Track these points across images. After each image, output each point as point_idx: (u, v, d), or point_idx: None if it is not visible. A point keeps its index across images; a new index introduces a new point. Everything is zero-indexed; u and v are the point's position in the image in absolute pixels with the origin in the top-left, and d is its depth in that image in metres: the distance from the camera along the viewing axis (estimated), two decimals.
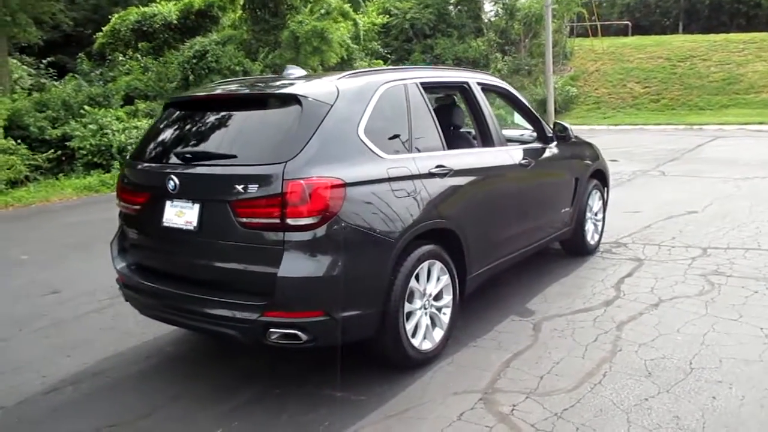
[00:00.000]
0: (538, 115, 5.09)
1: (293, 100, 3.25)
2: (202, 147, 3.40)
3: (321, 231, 3.04)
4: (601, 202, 5.95)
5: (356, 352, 3.55)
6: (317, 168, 3.06)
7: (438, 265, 3.68)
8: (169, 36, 20.75)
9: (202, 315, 3.27)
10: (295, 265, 3.01)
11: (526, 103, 5.06)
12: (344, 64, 20.47)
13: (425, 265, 3.57)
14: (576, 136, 6.05)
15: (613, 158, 12.54)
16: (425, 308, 3.64)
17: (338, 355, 3.37)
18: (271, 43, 18.51)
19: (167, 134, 3.65)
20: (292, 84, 3.47)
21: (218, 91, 3.74)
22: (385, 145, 3.45)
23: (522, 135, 5.48)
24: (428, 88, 4.04)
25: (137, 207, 3.62)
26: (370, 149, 3.33)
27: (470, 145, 4.48)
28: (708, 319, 4.20)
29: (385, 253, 3.26)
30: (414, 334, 3.57)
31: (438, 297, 3.75)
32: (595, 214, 5.89)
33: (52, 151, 12.65)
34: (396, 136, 3.58)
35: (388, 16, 27.02)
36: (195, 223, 3.27)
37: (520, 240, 4.60)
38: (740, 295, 4.62)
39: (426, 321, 3.65)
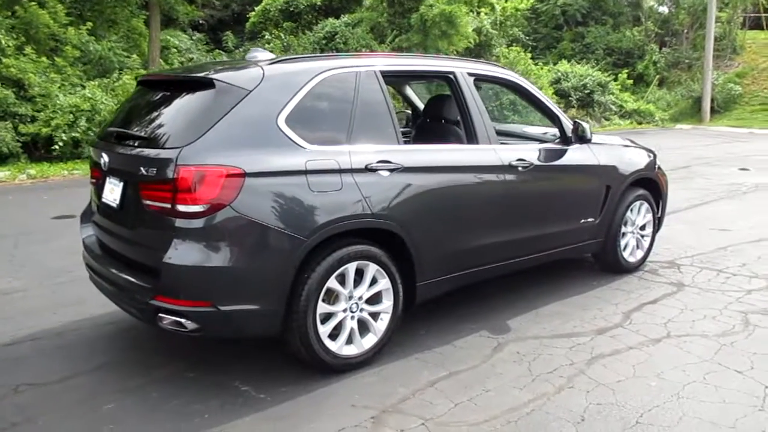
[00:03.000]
0: (557, 112, 4.54)
1: (209, 84, 3.17)
2: (129, 127, 3.43)
3: (211, 220, 2.94)
4: (650, 215, 5.23)
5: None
6: (215, 155, 2.95)
7: (373, 267, 3.43)
8: (312, 17, 21.50)
9: (116, 291, 3.34)
10: (181, 253, 2.95)
11: (542, 98, 4.53)
12: (481, 49, 20.00)
13: (352, 266, 3.34)
14: (630, 140, 5.41)
15: (744, 167, 11.16)
16: (352, 311, 3.41)
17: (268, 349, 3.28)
18: (404, 26, 18.50)
19: (122, 113, 3.73)
20: (224, 69, 3.39)
21: (166, 74, 3.75)
22: (313, 136, 3.25)
23: (545, 134, 4.96)
24: (396, 77, 3.75)
25: (94, 181, 3.75)
26: (289, 139, 3.16)
27: (459, 141, 4.10)
28: (706, 366, 3.55)
29: (288, 249, 3.08)
30: (334, 338, 3.37)
31: (374, 301, 3.51)
32: (641, 228, 5.20)
33: None
34: (330, 127, 3.37)
35: (538, 1, 25.87)
36: (118, 201, 3.32)
37: (510, 249, 4.17)
38: None
39: (352, 325, 3.43)
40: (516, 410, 3.09)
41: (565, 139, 4.56)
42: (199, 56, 19.51)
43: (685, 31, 24.74)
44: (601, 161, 4.73)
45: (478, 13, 20.31)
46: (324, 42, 17.29)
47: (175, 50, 19.12)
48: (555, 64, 22.53)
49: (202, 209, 2.92)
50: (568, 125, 4.55)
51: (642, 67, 23.72)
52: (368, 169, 3.37)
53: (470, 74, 4.07)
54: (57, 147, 11.28)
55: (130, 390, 3.29)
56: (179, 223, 2.96)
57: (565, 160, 4.49)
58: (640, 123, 20.79)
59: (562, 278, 5.03)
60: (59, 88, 12.12)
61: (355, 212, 3.29)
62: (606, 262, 5.10)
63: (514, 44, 22.70)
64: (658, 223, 5.43)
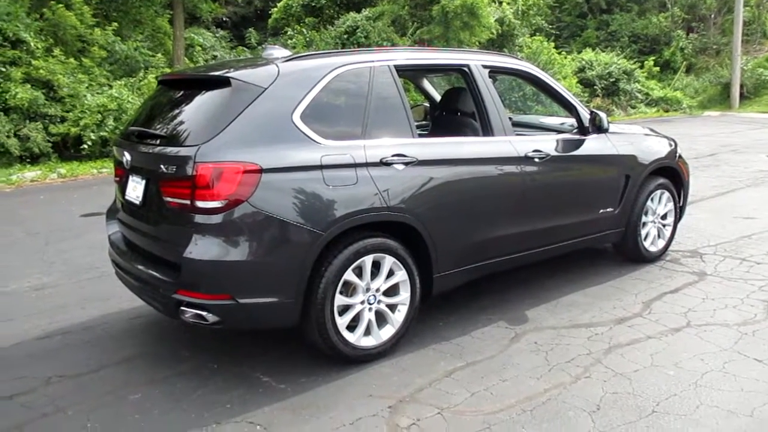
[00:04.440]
0: (574, 102, 4.53)
1: (226, 83, 3.24)
2: (149, 125, 3.52)
3: (230, 215, 3.02)
4: (671, 204, 5.19)
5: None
6: (232, 152, 3.02)
7: (390, 260, 3.48)
8: (334, 11, 21.57)
9: (140, 286, 3.44)
10: (201, 247, 3.03)
11: (558, 88, 4.51)
12: (503, 40, 19.86)
13: (369, 258, 3.40)
14: (650, 128, 5.38)
15: None
16: (369, 303, 3.47)
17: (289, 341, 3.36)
18: (425, 18, 18.45)
19: (144, 111, 3.83)
20: (239, 67, 3.45)
21: (184, 72, 3.83)
22: (328, 132, 3.31)
23: (563, 124, 4.94)
24: (410, 70, 3.78)
25: (118, 179, 3.86)
26: (304, 135, 3.22)
27: (475, 133, 4.12)
28: (725, 355, 3.54)
29: (305, 243, 3.15)
30: (353, 329, 3.43)
31: (391, 292, 3.56)
32: (662, 218, 5.17)
33: None
34: (345, 122, 3.42)
35: None
36: (140, 198, 3.42)
37: (527, 240, 4.19)
38: None
39: (369, 317, 3.48)
40: (532, 399, 3.12)
41: (582, 129, 4.54)
42: (222, 53, 19.72)
43: (713, 15, 24.25)
44: (620, 151, 4.71)
45: (500, 3, 20.16)
46: (345, 36, 17.33)
47: (199, 48, 19.37)
48: (579, 52, 22.27)
49: (220, 205, 3.00)
50: (585, 115, 4.53)
51: (668, 53, 23.33)
52: (383, 163, 3.42)
53: (485, 66, 4.08)
54: (86, 146, 11.53)
55: (156, 381, 3.39)
56: (198, 218, 3.04)
57: (582, 151, 4.48)
58: (666, 111, 20.48)
59: (581, 268, 5.03)
60: (87, 88, 12.37)
61: (371, 206, 3.34)
62: (627, 252, 5.08)
63: (537, 34, 22.50)
64: (679, 212, 5.38)
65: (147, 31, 16.76)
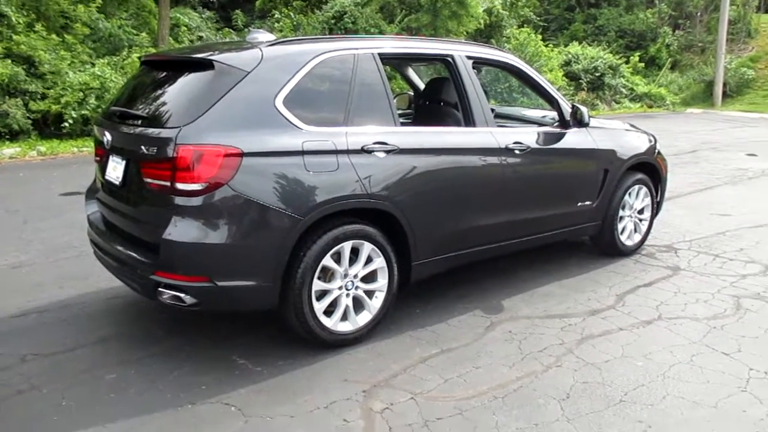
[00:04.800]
0: (556, 96, 4.57)
1: (209, 65, 3.23)
2: (131, 106, 3.50)
3: (209, 198, 3.02)
4: (648, 199, 5.27)
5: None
6: (213, 135, 3.02)
7: (368, 246, 3.51)
8: None
9: (119, 266, 3.44)
10: (179, 229, 3.04)
11: (541, 81, 4.55)
12: (491, 30, 19.88)
13: (347, 245, 3.43)
14: (631, 124, 5.44)
15: (752, 152, 11.13)
16: (347, 289, 3.50)
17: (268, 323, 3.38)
18: (413, 5, 18.41)
19: (125, 92, 3.81)
20: (223, 50, 3.45)
21: (166, 54, 3.81)
22: (310, 117, 3.32)
23: (544, 117, 4.99)
24: (394, 59, 3.80)
25: (98, 159, 3.84)
26: (286, 120, 3.23)
27: (457, 123, 4.15)
28: (693, 348, 3.63)
29: (284, 228, 3.16)
30: (329, 314, 3.47)
31: (370, 279, 3.60)
32: (639, 212, 5.25)
33: None
34: (327, 108, 3.43)
35: None
36: (120, 179, 3.41)
37: (502, 231, 4.24)
38: (762, 327, 3.92)
39: (347, 302, 3.52)
40: (503, 387, 3.18)
41: (563, 123, 4.59)
42: (208, 35, 19.49)
43: (699, 13, 24.43)
44: (599, 145, 4.77)
45: None
46: (333, 21, 17.23)
47: (185, 28, 19.15)
48: (566, 45, 22.35)
49: (200, 188, 3.01)
50: (566, 108, 4.58)
51: (654, 49, 23.49)
52: (364, 150, 3.44)
53: (468, 57, 4.11)
54: (67, 124, 11.39)
55: (131, 362, 3.41)
56: (178, 200, 3.05)
57: (562, 144, 4.53)
58: (650, 106, 20.64)
59: (559, 260, 5.10)
60: (69, 65, 12.19)
61: (351, 192, 3.36)
62: (603, 245, 5.15)
63: (524, 25, 22.53)
64: (656, 208, 5.47)
65: (131, 9, 16.53)
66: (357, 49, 3.61)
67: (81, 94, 11.61)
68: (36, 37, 12.09)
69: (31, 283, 4.54)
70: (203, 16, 20.76)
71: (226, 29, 19.39)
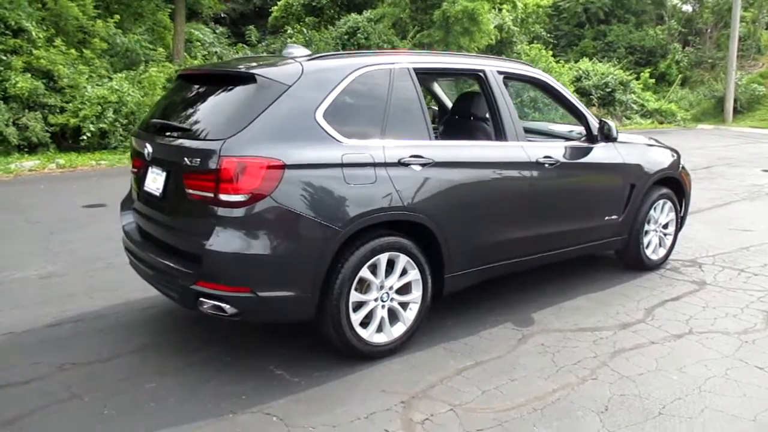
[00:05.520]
0: (584, 111, 4.62)
1: (251, 79, 3.29)
2: (172, 118, 3.56)
3: (252, 210, 3.06)
4: (673, 214, 5.29)
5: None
6: (256, 147, 3.07)
7: (404, 258, 3.55)
8: (335, 12, 21.64)
9: (157, 276, 3.48)
10: (223, 240, 3.08)
11: (569, 96, 4.60)
12: (502, 47, 20.00)
13: (384, 256, 3.46)
14: (654, 139, 5.48)
15: (766, 168, 11.12)
16: (382, 300, 3.53)
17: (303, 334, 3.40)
18: (426, 22, 18.56)
19: (163, 105, 3.87)
20: (264, 64, 3.51)
21: (206, 68, 3.88)
22: (349, 130, 3.36)
23: (571, 132, 5.03)
24: (428, 74, 3.86)
25: (135, 170, 3.89)
26: (326, 133, 3.28)
27: (488, 137, 4.20)
28: (727, 362, 3.63)
29: (325, 239, 3.20)
30: (365, 326, 3.49)
31: (404, 291, 3.63)
32: (664, 227, 5.27)
33: None
34: (365, 122, 3.48)
35: None
36: (161, 190, 3.46)
37: (532, 244, 4.26)
38: None
39: (382, 314, 3.54)
40: (541, 399, 3.19)
41: (590, 137, 4.63)
42: (221, 50, 19.70)
43: (709, 30, 24.53)
44: (626, 160, 4.80)
45: (500, 10, 20.30)
46: (346, 37, 17.39)
47: (198, 43, 19.37)
48: (576, 61, 22.45)
49: (243, 199, 3.05)
50: (594, 123, 4.62)
51: (664, 66, 23.57)
52: (401, 164, 3.48)
53: (500, 72, 4.16)
54: (85, 137, 11.51)
55: (169, 371, 3.43)
56: (221, 211, 3.09)
57: (590, 158, 4.56)
58: (661, 122, 20.69)
59: (585, 274, 5.12)
60: (87, 79, 12.34)
61: (388, 205, 3.40)
62: (629, 260, 5.17)
63: (535, 41, 22.67)
64: (680, 222, 5.48)
65: (147, 25, 16.74)
66: (393, 63, 3.66)
67: (99, 107, 11.75)
68: (55, 51, 12.26)
69: (63, 294, 4.58)
70: (216, 31, 20.98)
71: (240, 44, 19.58)
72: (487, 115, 4.23)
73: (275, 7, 22.83)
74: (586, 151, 4.56)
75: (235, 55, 18.31)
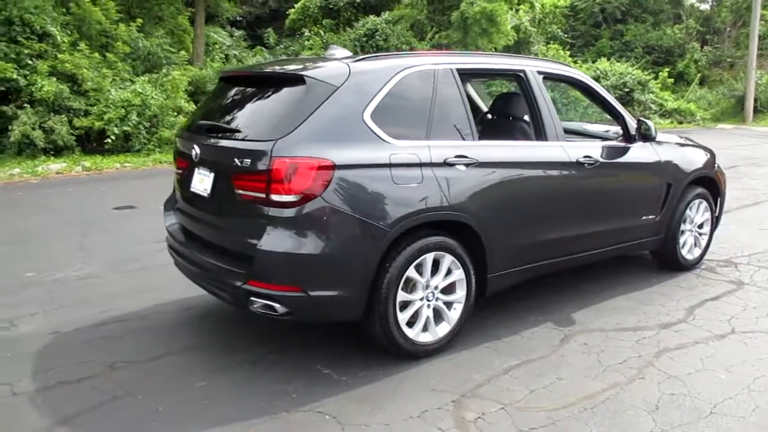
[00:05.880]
0: (621, 111, 4.62)
1: (300, 80, 3.32)
2: (220, 120, 3.60)
3: (303, 210, 3.09)
4: (708, 213, 5.27)
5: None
6: (307, 148, 3.10)
7: (449, 258, 3.56)
8: (351, 14, 21.70)
9: (207, 276, 3.52)
10: (274, 240, 3.11)
11: (607, 96, 4.61)
12: (519, 47, 19.97)
13: (430, 256, 3.48)
14: (687, 138, 5.45)
15: None
16: (428, 300, 3.55)
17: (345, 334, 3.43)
18: (443, 23, 18.59)
19: (208, 107, 3.92)
20: (310, 65, 3.54)
21: (252, 69, 3.92)
22: (395, 131, 3.39)
23: (607, 131, 5.03)
24: (470, 74, 3.88)
25: (180, 172, 3.93)
26: (374, 133, 3.30)
27: (526, 137, 4.21)
28: None
29: (374, 239, 3.23)
30: (411, 325, 3.51)
31: (448, 291, 3.64)
32: (699, 227, 5.24)
33: None
34: (411, 122, 3.50)
35: None
36: (209, 191, 3.50)
37: (572, 244, 4.26)
38: None
39: (428, 313, 3.56)
40: (591, 398, 3.19)
41: (628, 137, 4.63)
42: (239, 53, 19.83)
43: (728, 29, 24.37)
44: (663, 159, 4.79)
45: (517, 11, 20.29)
46: (365, 39, 17.46)
47: (216, 46, 19.51)
48: (594, 62, 22.36)
49: (294, 199, 3.08)
50: (632, 123, 4.62)
51: (683, 65, 23.43)
52: (446, 164, 3.50)
53: (539, 72, 4.17)
54: (109, 140, 11.64)
55: (218, 370, 3.47)
56: (272, 212, 3.12)
57: (628, 158, 4.56)
58: (680, 122, 20.54)
59: (621, 274, 5.10)
60: (111, 83, 12.46)
61: (435, 205, 3.42)
62: (664, 259, 5.15)
63: (552, 42, 22.62)
64: (715, 222, 5.46)
65: (167, 29, 16.87)
66: (437, 64, 3.68)
67: (123, 110, 11.87)
68: (80, 55, 12.39)
69: (104, 294, 4.64)
70: (235, 35, 21.11)
71: (258, 47, 19.67)
72: (526, 116, 4.23)
73: (292, 10, 22.94)
74: (624, 151, 4.56)
75: (253, 58, 18.41)
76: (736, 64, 23.43)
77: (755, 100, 20.92)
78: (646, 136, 4.60)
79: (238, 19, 24.59)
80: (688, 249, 5.19)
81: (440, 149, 3.51)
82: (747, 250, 5.85)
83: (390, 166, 3.30)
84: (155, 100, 12.30)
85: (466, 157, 3.58)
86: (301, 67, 3.52)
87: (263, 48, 19.93)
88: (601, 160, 4.31)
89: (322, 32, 20.63)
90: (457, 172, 3.54)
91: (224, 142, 3.43)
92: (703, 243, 5.35)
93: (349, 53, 3.96)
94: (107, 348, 3.74)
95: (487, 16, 16.69)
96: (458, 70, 3.75)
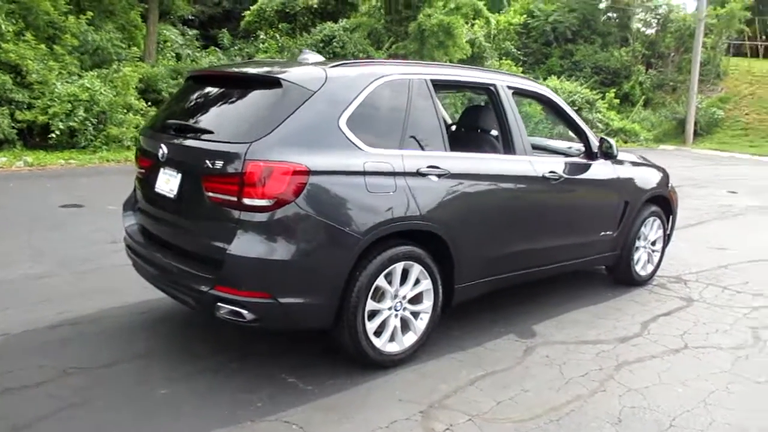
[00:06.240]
0: (584, 128, 4.73)
1: (276, 83, 3.27)
2: (191, 120, 3.51)
3: (276, 215, 3.03)
4: (661, 231, 5.44)
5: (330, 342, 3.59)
6: (282, 152, 3.05)
7: (417, 268, 3.56)
8: (308, 19, 21.60)
9: (170, 279, 3.41)
10: (244, 245, 3.04)
11: (571, 113, 4.72)
12: (474, 61, 20.27)
13: (399, 266, 3.46)
14: (643, 158, 5.62)
15: (732, 190, 11.55)
16: (396, 310, 3.53)
17: (309, 341, 3.37)
18: (400, 33, 18.68)
19: (175, 105, 3.81)
20: (286, 68, 3.49)
21: (224, 69, 3.84)
22: (369, 139, 3.36)
23: (570, 148, 5.14)
24: (442, 86, 3.90)
25: (143, 171, 3.81)
26: (348, 140, 3.28)
27: (494, 150, 4.26)
28: (726, 377, 3.74)
29: (346, 247, 3.19)
30: (379, 334, 3.48)
31: (415, 301, 3.63)
32: (652, 244, 5.41)
33: None
34: (385, 131, 3.49)
35: (530, 17, 26.29)
36: (175, 192, 3.39)
37: (535, 257, 4.33)
38: None
39: (395, 323, 3.55)
40: (556, 410, 3.23)
41: (590, 154, 4.74)
42: (192, 52, 19.44)
43: (671, 54, 25.36)
44: (622, 177, 4.93)
45: (472, 25, 20.60)
46: (321, 45, 17.38)
47: (168, 44, 19.08)
48: (544, 79, 22.88)
49: (267, 204, 3.02)
50: (594, 141, 4.74)
51: (628, 86, 24.24)
52: (419, 173, 3.50)
53: (509, 87, 4.23)
54: (54, 135, 11.20)
55: (179, 378, 3.36)
56: (243, 215, 3.05)
57: (589, 175, 4.67)
58: (625, 142, 21.21)
59: (578, 288, 5.21)
60: (57, 76, 12.01)
61: (406, 214, 3.41)
62: (619, 275, 5.28)
63: (504, 58, 23.06)
64: (667, 239, 5.64)
65: (118, 23, 16.40)
66: (411, 74, 3.69)
67: (69, 105, 11.44)
68: (25, 46, 11.90)
69: (57, 295, 4.45)
70: (188, 34, 20.71)
71: (213, 48, 19.34)
72: (494, 129, 4.28)
73: (247, 12, 22.67)
74: (586, 168, 4.66)
75: (207, 58, 18.09)
76: (678, 88, 24.39)
77: (695, 123, 21.82)
78: (607, 154, 4.73)
79: (190, 17, 24.12)
80: (641, 265, 5.35)
81: (413, 159, 3.51)
82: (695, 268, 6.07)
83: (364, 173, 3.27)
84: (104, 96, 11.90)
85: (438, 167, 3.59)
86: (276, 69, 3.46)
87: (217, 48, 19.61)
88: (565, 175, 4.40)
89: (278, 36, 20.47)
90: (429, 182, 3.54)
91: (194, 143, 3.33)
92: (656, 260, 5.52)
93: (322, 58, 3.92)
94: (61, 352, 3.58)
95: (444, 29, 16.87)
96: (432, 80, 3.76)
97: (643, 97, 24.29)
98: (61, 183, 9.13)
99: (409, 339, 3.63)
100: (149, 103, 13.22)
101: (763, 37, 26.73)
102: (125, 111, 12.37)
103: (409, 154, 3.51)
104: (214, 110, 3.50)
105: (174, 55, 18.06)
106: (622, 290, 5.24)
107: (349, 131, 3.29)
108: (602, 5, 27.47)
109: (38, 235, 6.02)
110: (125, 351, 3.65)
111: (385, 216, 3.32)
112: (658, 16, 26.11)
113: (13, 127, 11.16)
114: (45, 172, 10.04)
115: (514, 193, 4.05)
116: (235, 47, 20.08)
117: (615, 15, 27.28)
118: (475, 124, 4.51)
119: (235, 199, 3.05)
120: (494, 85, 4.14)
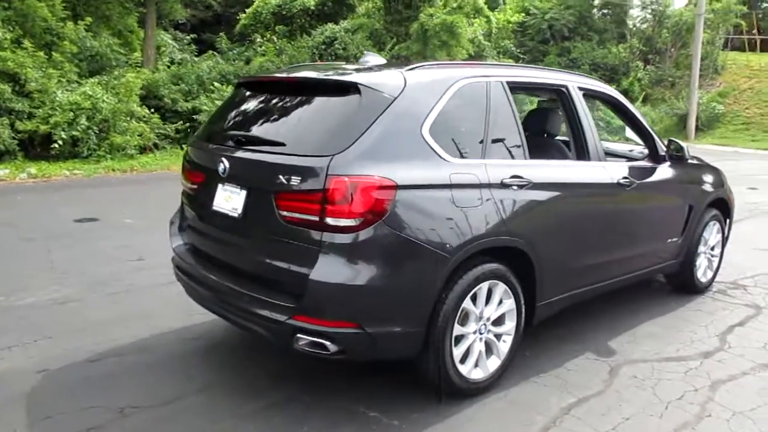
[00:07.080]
0: (651, 130, 4.47)
1: (353, 89, 2.96)
2: (256, 131, 3.19)
3: (363, 235, 2.73)
4: (720, 235, 5.19)
5: (404, 371, 3.28)
6: (367, 165, 2.75)
7: (501, 287, 3.27)
8: (305, 21, 21.27)
9: (236, 308, 3.08)
10: (329, 269, 2.73)
11: (638, 115, 4.46)
12: (474, 60, 20.05)
13: (485, 285, 3.17)
14: (697, 158, 5.36)
15: (752, 186, 11.34)
16: (480, 333, 3.24)
17: (377, 371, 3.08)
18: (401, 34, 18.41)
19: (231, 115, 3.49)
20: (358, 72, 3.19)
21: (284, 75, 3.54)
22: (453, 148, 3.08)
23: (631, 151, 4.88)
24: (518, 88, 3.62)
25: (195, 187, 3.49)
26: (433, 150, 2.98)
27: (564, 156, 3.98)
28: None
29: (436, 267, 2.90)
30: (463, 361, 3.19)
31: (498, 322, 3.35)
32: (711, 249, 5.16)
33: (181, 122, 13.12)
34: (467, 139, 3.20)
35: (526, 15, 26.10)
36: (240, 210, 3.08)
37: (610, 269, 4.06)
38: None
39: (480, 347, 3.26)
40: None
41: (656, 157, 4.48)
42: (188, 56, 19.05)
43: (669, 49, 25.26)
44: (686, 180, 4.67)
45: (472, 24, 20.36)
46: (323, 47, 17.08)
47: (163, 49, 18.71)
48: None
49: (353, 223, 2.72)
50: (660, 143, 4.47)
51: (627, 83, 24.08)
52: (503, 185, 3.21)
53: (580, 88, 3.96)
54: (56, 145, 10.80)
55: (248, 415, 3.05)
56: (326, 237, 2.75)
57: (657, 179, 4.41)
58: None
59: (638, 298, 4.93)
60: (57, 84, 11.61)
61: (494, 229, 3.12)
62: (680, 282, 5.03)
63: (503, 56, 22.83)
64: (724, 243, 5.39)
65: (115, 29, 16.01)
66: (489, 76, 3.40)
67: (71, 114, 11.06)
68: (23, 54, 11.49)
69: (90, 322, 4.12)
70: (185, 38, 20.35)
71: (210, 52, 18.94)
72: (568, 132, 4.00)
73: (243, 15, 22.32)
74: (653, 171, 4.40)
75: (206, 62, 17.70)
76: (676, 84, 24.28)
77: (697, 119, 21.70)
78: (678, 156, 4.46)
79: (181, 22, 23.74)
80: (702, 271, 5.09)
81: (496, 168, 3.22)
82: (749, 272, 5.82)
83: (450, 186, 2.98)
84: (106, 104, 11.51)
85: (521, 177, 3.30)
86: (350, 74, 3.16)
87: (215, 53, 19.22)
88: (637, 181, 4.13)
89: (275, 38, 20.11)
90: (513, 193, 3.26)
91: (263, 156, 3.01)
92: (715, 265, 5.27)
93: (384, 60, 3.63)
94: (111, 389, 3.26)
95: (447, 29, 16.61)
96: (508, 83, 3.48)
97: (643, 93, 24.16)
98: (69, 195, 8.78)
99: (493, 364, 3.34)
100: (152, 110, 12.84)
101: (753, 31, 26.67)
102: (128, 119, 11.99)
103: (492, 163, 3.22)
104: (279, 120, 3.18)
105: (169, 60, 17.70)
106: (684, 299, 4.98)
107: (432, 140, 2.99)
108: (596, 1, 27.37)
109: (58, 254, 5.67)
110: (183, 386, 3.33)
111: (474, 232, 3.03)
112: (654, 12, 25.97)
113: (14, 138, 10.76)
114: (50, 184, 9.67)
115: (592, 201, 3.79)
116: (233, 51, 19.72)
117: (610, 12, 27.13)
118: (542, 128, 4.23)
119: (316, 218, 2.74)
120: (566, 87, 3.87)
